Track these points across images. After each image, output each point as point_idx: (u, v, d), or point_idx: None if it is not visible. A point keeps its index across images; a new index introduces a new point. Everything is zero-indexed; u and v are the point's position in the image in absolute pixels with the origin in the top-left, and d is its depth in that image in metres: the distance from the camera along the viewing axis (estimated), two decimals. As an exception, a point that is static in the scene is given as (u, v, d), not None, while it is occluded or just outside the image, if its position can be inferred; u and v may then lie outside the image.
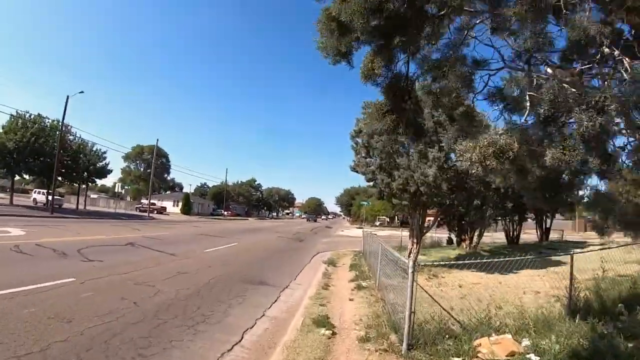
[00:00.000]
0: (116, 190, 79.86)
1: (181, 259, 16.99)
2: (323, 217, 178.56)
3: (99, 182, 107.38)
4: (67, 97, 45.88)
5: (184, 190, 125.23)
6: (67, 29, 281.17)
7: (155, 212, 79.13)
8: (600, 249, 13.37)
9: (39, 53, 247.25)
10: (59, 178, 56.75)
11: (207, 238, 28.63)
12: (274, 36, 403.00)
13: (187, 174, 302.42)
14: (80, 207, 65.91)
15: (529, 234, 49.05)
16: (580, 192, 16.60)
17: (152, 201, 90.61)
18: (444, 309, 8.88)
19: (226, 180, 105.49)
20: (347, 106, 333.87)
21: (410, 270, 6.88)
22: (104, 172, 63.83)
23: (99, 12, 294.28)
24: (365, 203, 63.54)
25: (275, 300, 11.42)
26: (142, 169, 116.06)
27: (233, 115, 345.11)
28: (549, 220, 41.33)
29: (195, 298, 10.15)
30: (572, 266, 9.47)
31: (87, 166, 58.72)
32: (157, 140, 68.57)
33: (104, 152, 62.55)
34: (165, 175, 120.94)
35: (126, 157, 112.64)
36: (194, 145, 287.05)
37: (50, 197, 47.16)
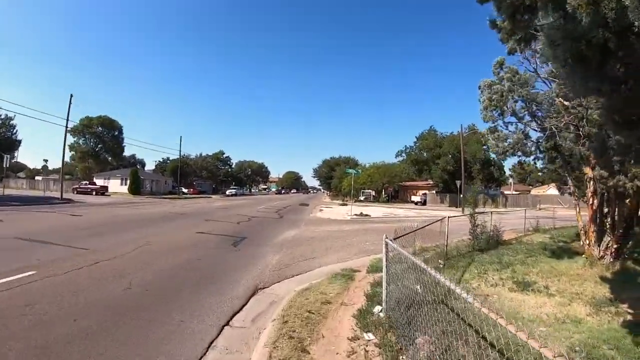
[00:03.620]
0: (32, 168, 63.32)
1: None
2: (302, 191, 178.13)
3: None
4: None
5: (146, 167, 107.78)
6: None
7: (94, 192, 62.67)
8: None
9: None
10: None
11: None
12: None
13: (145, 148, 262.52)
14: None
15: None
16: None
17: (94, 180, 75.35)
18: None
19: (180, 151, 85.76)
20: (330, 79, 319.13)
21: None
22: (9, 145, 48.00)
23: None
24: (352, 171, 46.36)
25: None
26: (92, 144, 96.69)
27: (200, 83, 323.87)
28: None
29: None
30: None
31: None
32: (71, 96, 47.66)
33: (10, 119, 47.11)
34: (119, 150, 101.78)
35: (74, 132, 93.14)
36: (161, 118, 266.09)
37: None
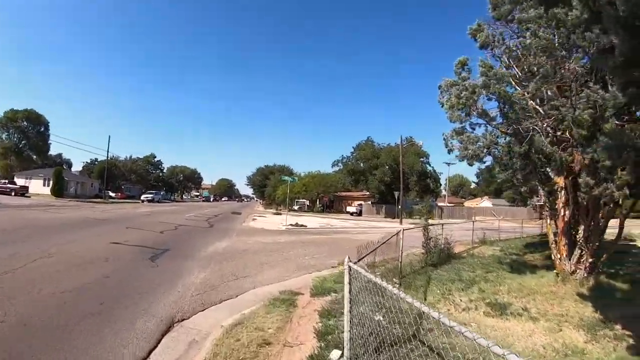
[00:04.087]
0: None
1: None
2: (235, 199, 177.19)
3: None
4: None
5: (73, 168, 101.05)
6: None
7: (13, 193, 57.65)
8: None
9: None
10: None
11: None
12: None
13: (72, 147, 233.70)
14: None
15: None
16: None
17: (14, 180, 69.60)
18: None
19: (108, 151, 79.71)
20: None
21: None
22: None
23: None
24: (288, 179, 44.11)
25: None
26: (15, 140, 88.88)
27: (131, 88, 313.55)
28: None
29: None
30: None
31: None
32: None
33: None
34: (44, 147, 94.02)
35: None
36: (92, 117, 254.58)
37: None
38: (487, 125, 12.34)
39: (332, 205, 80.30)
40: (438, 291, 10.24)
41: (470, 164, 12.44)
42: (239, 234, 24.19)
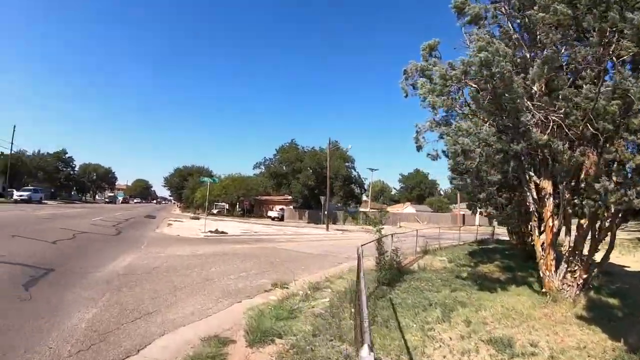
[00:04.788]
0: None
1: None
2: (151, 201, 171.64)
3: None
4: None
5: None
6: None
7: None
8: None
9: None
10: None
11: None
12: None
13: None
14: None
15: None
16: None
17: None
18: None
19: (12, 144, 70.50)
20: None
21: None
22: None
23: None
24: (209, 180, 40.41)
25: None
26: None
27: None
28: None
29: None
30: None
31: None
32: None
33: None
34: None
35: None
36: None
37: None
38: (474, 118, 10.56)
39: (252, 209, 77.75)
40: (413, 324, 7.99)
41: (455, 163, 10.68)
42: (149, 244, 20.30)
